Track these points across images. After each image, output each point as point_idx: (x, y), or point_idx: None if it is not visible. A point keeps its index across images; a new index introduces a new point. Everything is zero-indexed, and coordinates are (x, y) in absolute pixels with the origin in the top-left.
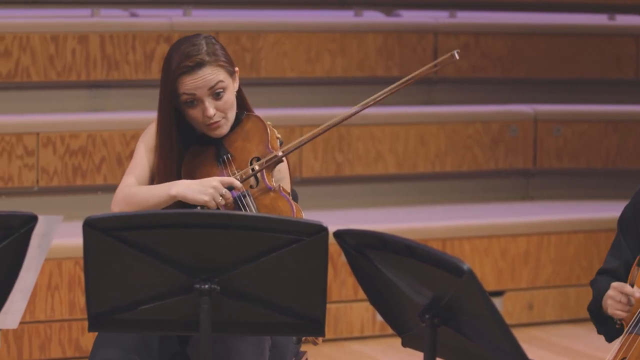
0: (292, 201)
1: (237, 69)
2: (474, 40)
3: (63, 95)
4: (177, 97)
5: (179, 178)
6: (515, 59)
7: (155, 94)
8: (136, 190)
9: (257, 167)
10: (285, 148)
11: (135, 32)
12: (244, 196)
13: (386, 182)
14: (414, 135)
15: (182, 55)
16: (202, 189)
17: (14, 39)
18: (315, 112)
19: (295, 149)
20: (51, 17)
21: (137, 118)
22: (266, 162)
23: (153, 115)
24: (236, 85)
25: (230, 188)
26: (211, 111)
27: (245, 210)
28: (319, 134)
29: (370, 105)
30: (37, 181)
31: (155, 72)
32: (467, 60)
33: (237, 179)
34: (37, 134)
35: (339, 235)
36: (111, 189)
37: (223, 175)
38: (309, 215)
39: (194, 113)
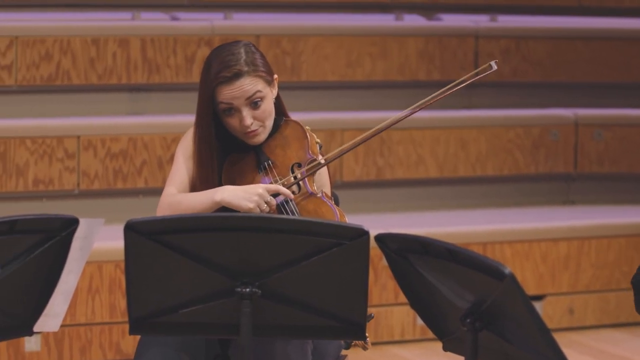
0: (335, 206)
1: (276, 76)
2: (514, 44)
3: (104, 99)
4: (215, 105)
5: (219, 185)
6: (556, 63)
7: (196, 97)
8: (181, 197)
9: (299, 175)
10: (328, 155)
11: (176, 36)
12: (287, 202)
13: (427, 186)
14: (454, 139)
15: (221, 65)
16: (247, 196)
17: (55, 42)
18: (355, 116)
19: (339, 156)
20: (92, 20)
21: (178, 121)
22: (308, 169)
23: (193, 118)
24: (275, 92)
25: (275, 195)
26: (248, 121)
27: (286, 210)
28: (362, 142)
29: (418, 110)
30: (78, 184)
31: (195, 76)
32: (508, 64)
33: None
34: (78, 137)
35: (381, 239)
36: (152, 192)
37: (265, 182)
38: (350, 219)
39: (232, 121)
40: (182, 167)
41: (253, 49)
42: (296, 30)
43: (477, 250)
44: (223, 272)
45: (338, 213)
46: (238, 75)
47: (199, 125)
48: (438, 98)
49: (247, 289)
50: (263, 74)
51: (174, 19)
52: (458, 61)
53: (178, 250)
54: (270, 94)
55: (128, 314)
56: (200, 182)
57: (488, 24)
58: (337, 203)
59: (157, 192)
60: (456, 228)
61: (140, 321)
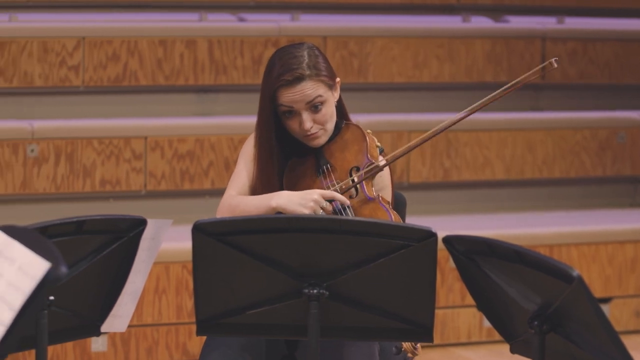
0: (391, 211)
1: (338, 79)
2: (581, 47)
3: (171, 100)
4: (275, 107)
5: (280, 189)
6: (623, 65)
7: None
8: (239, 200)
9: (356, 179)
10: (387, 157)
11: (243, 37)
12: (343, 207)
13: (493, 188)
14: (521, 141)
15: (283, 67)
16: (302, 202)
17: (122, 43)
18: (422, 118)
19: (395, 159)
20: (159, 21)
21: (245, 122)
22: (365, 172)
23: None
24: (336, 96)
25: (331, 200)
26: (308, 124)
27: (342, 214)
28: (419, 144)
29: (476, 111)
30: (145, 185)
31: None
32: (575, 66)
33: (337, 190)
34: (145, 137)
35: (448, 241)
36: (218, 193)
37: (323, 186)
38: (417, 221)
39: (292, 124)
40: (243, 170)
41: (316, 52)
42: (363, 32)
43: (544, 252)
44: (290, 274)
45: (394, 217)
46: (299, 79)
47: (259, 127)
48: (499, 96)
49: (315, 291)
50: (325, 78)
51: (241, 20)
52: (525, 63)
53: (245, 251)
54: (331, 97)
55: (195, 315)
56: (261, 184)
57: (555, 26)
58: (403, 204)
59: (224, 193)
60: (523, 230)
61: (207, 322)
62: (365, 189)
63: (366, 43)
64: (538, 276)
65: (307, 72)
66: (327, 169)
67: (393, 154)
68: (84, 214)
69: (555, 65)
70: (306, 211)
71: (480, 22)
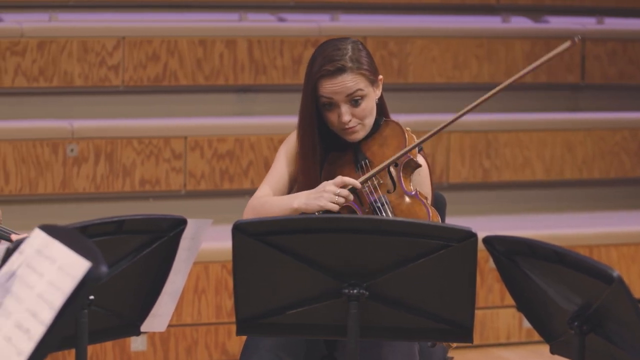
0: (429, 207)
1: (381, 77)
2: (621, 47)
3: (211, 99)
4: (317, 99)
5: (320, 180)
6: None
7: None
8: (264, 201)
9: (394, 174)
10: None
11: (283, 37)
12: (382, 203)
13: (533, 189)
14: (560, 141)
15: (325, 58)
16: (316, 196)
17: (162, 43)
18: (462, 118)
19: (411, 148)
20: (199, 21)
21: (285, 122)
22: (398, 157)
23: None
24: (378, 93)
25: (353, 190)
26: (346, 117)
27: (380, 210)
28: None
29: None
30: (185, 185)
31: (302, 77)
32: (615, 66)
33: (376, 185)
34: (185, 137)
35: (489, 241)
36: None
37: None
38: (456, 221)
39: (331, 116)
40: (281, 166)
41: (360, 46)
42: (403, 32)
43: (583, 253)
44: (330, 274)
45: (431, 213)
46: (341, 70)
47: (301, 120)
48: (516, 80)
49: (355, 291)
50: (366, 73)
51: (281, 20)
52: (564, 64)
53: (285, 251)
54: (372, 93)
55: (235, 315)
56: (303, 174)
57: (595, 27)
58: (443, 205)
59: None
60: (562, 231)
61: (247, 322)
62: (404, 184)
63: (406, 43)
64: (578, 277)
65: (349, 65)
66: (366, 164)
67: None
68: (123, 213)
69: (577, 41)
70: (321, 203)
71: (520, 23)
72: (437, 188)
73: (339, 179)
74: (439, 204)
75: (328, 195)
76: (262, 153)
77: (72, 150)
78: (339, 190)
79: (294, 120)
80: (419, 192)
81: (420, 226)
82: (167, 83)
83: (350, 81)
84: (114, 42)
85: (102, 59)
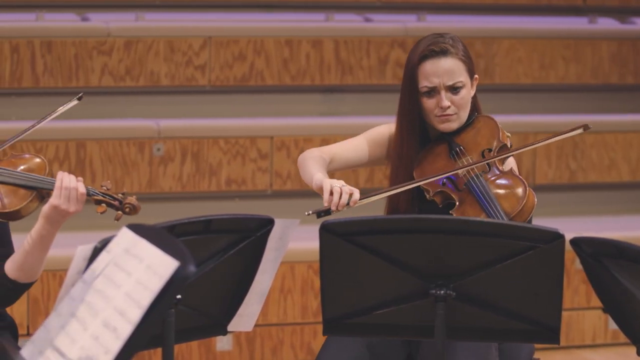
0: (524, 181)
1: (476, 76)
2: None
3: (297, 99)
4: (416, 85)
5: (412, 170)
6: None
7: (389, 99)
8: (307, 160)
9: (487, 156)
10: (518, 146)
11: (370, 37)
12: (477, 175)
13: (619, 190)
14: None
15: (430, 41)
16: (329, 187)
17: (249, 43)
18: (548, 119)
19: (521, 150)
20: (286, 21)
21: (371, 122)
22: (498, 152)
23: (387, 120)
24: (473, 90)
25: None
26: (446, 102)
27: (478, 187)
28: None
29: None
30: (271, 184)
31: (389, 77)
32: None
33: (471, 169)
34: (271, 137)
35: (576, 242)
36: None
37: (455, 167)
38: (543, 222)
39: (429, 103)
40: (356, 141)
41: (460, 41)
42: (489, 33)
43: None
44: (417, 274)
45: (527, 187)
46: (445, 52)
47: (402, 104)
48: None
49: (442, 291)
50: (467, 62)
51: (367, 20)
52: None
53: (373, 251)
54: (469, 85)
55: (322, 315)
56: (398, 157)
57: None
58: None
59: None
60: None
61: (334, 322)
62: (497, 165)
63: (492, 44)
64: None
65: (452, 50)
66: (460, 150)
67: (523, 146)
68: (209, 213)
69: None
70: (327, 196)
71: (607, 24)
72: None
73: (357, 194)
74: None
75: (338, 194)
76: None
77: (158, 149)
78: (347, 198)
79: (380, 120)
80: (513, 170)
81: (507, 227)
82: (253, 83)
83: (452, 65)
84: (201, 41)
85: (188, 58)
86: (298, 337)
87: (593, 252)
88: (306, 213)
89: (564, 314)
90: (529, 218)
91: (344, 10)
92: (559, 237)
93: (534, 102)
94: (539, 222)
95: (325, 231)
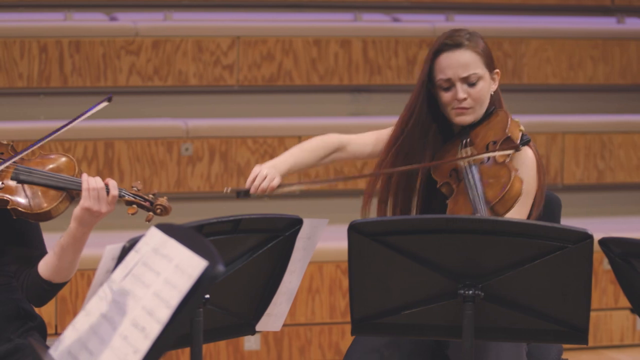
0: (515, 172)
1: (497, 70)
2: None
3: (325, 99)
4: (432, 79)
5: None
6: None
7: None
8: (304, 144)
9: (491, 150)
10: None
11: (398, 37)
12: (471, 167)
13: None
14: None
15: (445, 36)
16: (261, 170)
17: (277, 43)
18: (577, 119)
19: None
20: (314, 21)
21: None
22: (501, 145)
23: None
24: (494, 87)
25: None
26: (462, 94)
27: (467, 176)
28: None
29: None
30: None
31: (417, 77)
32: None
33: (470, 161)
34: (299, 137)
35: (605, 243)
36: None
37: (458, 156)
38: (571, 222)
39: (446, 96)
40: (366, 137)
41: (479, 36)
42: (518, 33)
43: None
44: (445, 274)
45: (513, 177)
46: (459, 45)
47: (414, 97)
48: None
49: (470, 291)
50: (483, 55)
51: (395, 20)
52: None
53: (401, 251)
54: (488, 78)
55: (350, 315)
56: (409, 143)
57: None
58: (558, 206)
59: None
60: None
61: (362, 321)
62: (497, 158)
63: (520, 44)
64: None
65: (467, 43)
66: (469, 142)
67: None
68: (237, 213)
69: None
70: (251, 177)
71: (635, 24)
72: (552, 189)
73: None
74: (554, 205)
75: (260, 179)
76: None
77: (186, 149)
78: (266, 184)
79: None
80: (511, 164)
81: (536, 227)
82: (281, 83)
83: (467, 58)
84: (229, 41)
85: (216, 58)
86: (326, 337)
87: (621, 252)
88: (225, 189)
89: (592, 314)
90: (512, 205)
91: (373, 10)
92: (588, 237)
93: (562, 102)
94: (567, 222)
95: (354, 231)
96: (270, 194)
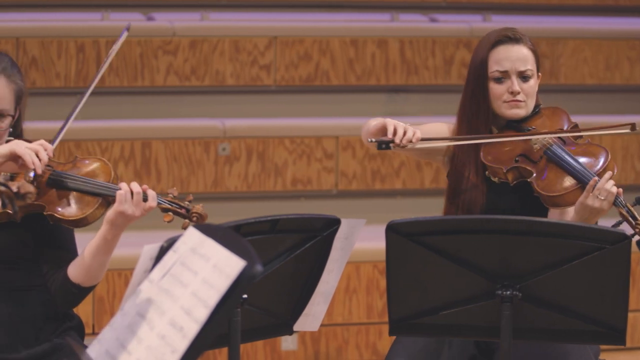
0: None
1: (540, 73)
2: None
3: (362, 99)
4: (485, 70)
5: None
6: None
7: (454, 99)
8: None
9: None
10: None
11: (435, 37)
12: (557, 145)
13: None
14: None
15: (503, 29)
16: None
17: (314, 43)
18: (614, 120)
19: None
20: (351, 21)
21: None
22: (571, 130)
23: (452, 119)
24: (536, 86)
25: None
26: (517, 87)
27: (559, 153)
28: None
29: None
30: (336, 184)
31: (454, 78)
32: None
33: (542, 141)
34: (337, 137)
35: None
36: (410, 193)
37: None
38: (609, 223)
39: (499, 89)
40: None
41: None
42: (555, 33)
43: None
44: (483, 274)
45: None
46: (518, 40)
47: (467, 91)
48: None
49: (508, 292)
50: (536, 56)
51: (433, 20)
52: None
53: (439, 251)
54: (536, 77)
55: (388, 315)
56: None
57: None
58: None
59: (415, 193)
60: None
61: (400, 322)
62: (574, 143)
63: (558, 44)
64: None
65: (524, 39)
66: (533, 129)
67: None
68: (274, 213)
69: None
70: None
71: None
72: None
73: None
74: None
75: (402, 129)
76: None
77: (223, 149)
78: (411, 134)
79: (445, 120)
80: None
81: (574, 228)
82: (318, 83)
83: (525, 53)
84: (266, 41)
85: (254, 58)
86: (363, 337)
87: None
88: (369, 140)
89: (630, 315)
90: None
91: (410, 10)
92: (626, 238)
93: (599, 103)
94: (604, 223)
95: (392, 231)
96: (413, 147)
